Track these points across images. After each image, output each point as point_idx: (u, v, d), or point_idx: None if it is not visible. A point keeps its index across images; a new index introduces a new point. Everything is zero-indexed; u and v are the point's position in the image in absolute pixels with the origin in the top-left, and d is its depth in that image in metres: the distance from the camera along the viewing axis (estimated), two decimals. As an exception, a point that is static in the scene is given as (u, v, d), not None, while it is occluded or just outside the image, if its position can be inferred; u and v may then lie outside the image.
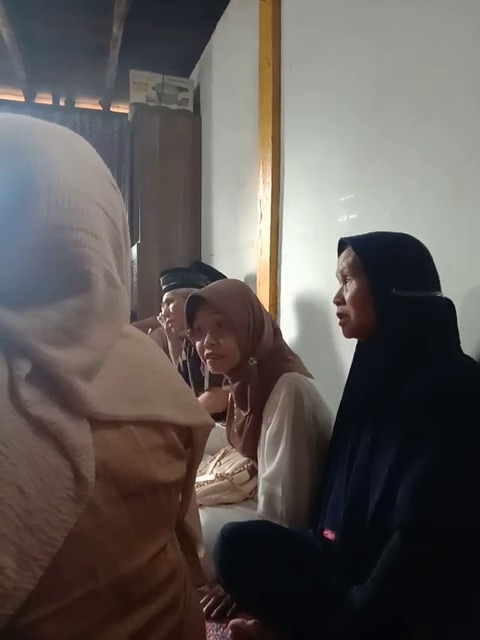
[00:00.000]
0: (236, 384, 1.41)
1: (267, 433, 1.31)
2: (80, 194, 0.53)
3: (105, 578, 0.51)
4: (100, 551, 0.50)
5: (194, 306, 1.41)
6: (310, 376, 1.42)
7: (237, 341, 1.35)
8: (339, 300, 1.10)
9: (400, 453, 0.88)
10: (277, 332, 1.49)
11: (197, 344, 1.41)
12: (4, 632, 0.44)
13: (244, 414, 1.41)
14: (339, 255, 1.15)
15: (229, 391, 1.47)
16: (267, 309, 2.27)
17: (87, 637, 0.50)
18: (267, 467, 1.29)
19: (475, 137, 1.15)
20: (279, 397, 1.30)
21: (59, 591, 0.48)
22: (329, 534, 1.05)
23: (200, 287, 1.87)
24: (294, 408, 1.28)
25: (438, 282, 1.03)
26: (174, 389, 0.62)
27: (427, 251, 1.05)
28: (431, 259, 1.04)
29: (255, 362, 1.37)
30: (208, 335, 1.37)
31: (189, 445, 0.64)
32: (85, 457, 0.47)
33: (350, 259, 1.06)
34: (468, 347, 1.04)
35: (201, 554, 0.72)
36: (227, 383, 1.45)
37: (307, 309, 2.00)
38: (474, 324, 1.11)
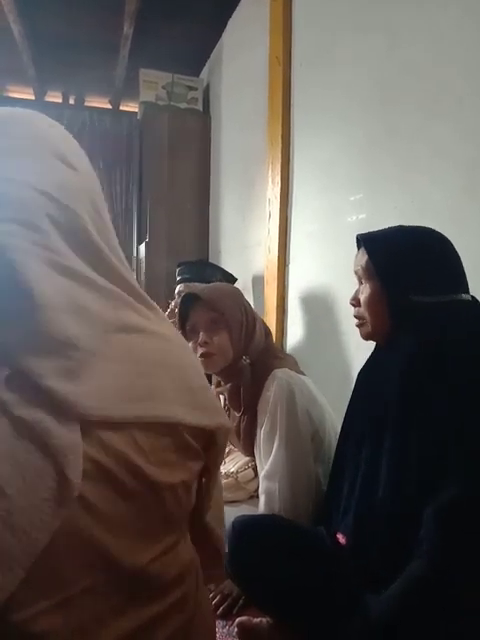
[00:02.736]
0: (228, 385, 1.42)
1: (261, 431, 1.32)
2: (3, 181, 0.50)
3: (105, 575, 0.51)
4: (98, 549, 0.50)
5: (188, 305, 1.41)
6: (302, 373, 1.42)
7: (231, 339, 1.36)
8: (355, 302, 1.05)
9: (426, 470, 0.84)
10: (268, 333, 1.51)
11: (190, 344, 1.41)
12: (1, 628, 0.44)
13: (238, 414, 1.41)
14: (358, 251, 1.08)
15: (222, 392, 1.47)
16: (274, 309, 2.27)
17: (90, 630, 0.50)
18: (264, 465, 1.29)
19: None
20: (270, 394, 1.30)
21: (56, 587, 0.48)
22: (341, 538, 1.04)
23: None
24: (286, 403, 1.28)
25: (464, 281, 0.96)
26: (191, 387, 0.59)
27: (452, 248, 0.97)
28: (456, 257, 0.96)
29: (248, 361, 1.37)
30: (202, 333, 1.37)
31: (209, 445, 0.62)
32: (71, 458, 0.46)
33: (364, 261, 1.00)
34: None
35: (222, 551, 0.72)
36: (219, 385, 1.46)
37: (315, 309, 2.00)
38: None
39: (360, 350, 1.14)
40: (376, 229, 1.06)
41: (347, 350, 1.75)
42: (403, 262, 0.95)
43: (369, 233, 1.03)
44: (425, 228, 1.00)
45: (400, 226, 1.02)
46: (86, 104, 4.18)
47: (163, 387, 0.56)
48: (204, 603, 0.67)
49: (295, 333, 2.20)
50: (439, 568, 0.80)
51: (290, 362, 1.46)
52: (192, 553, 0.65)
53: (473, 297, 0.97)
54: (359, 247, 1.07)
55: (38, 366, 0.47)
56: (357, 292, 1.05)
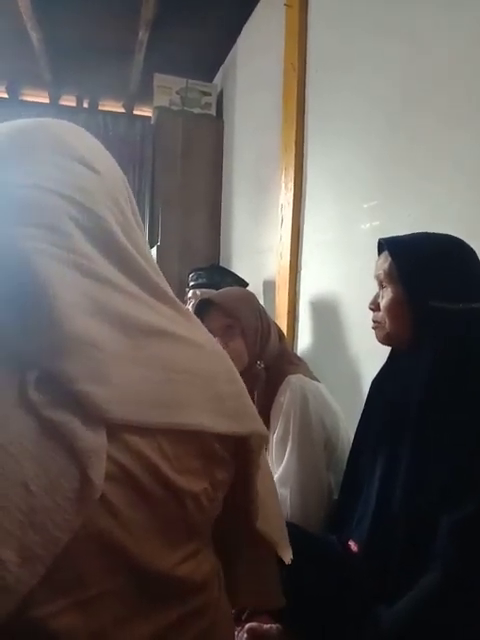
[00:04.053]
0: None
1: (274, 437, 1.32)
2: (26, 187, 0.51)
3: (125, 578, 0.52)
4: (119, 551, 0.50)
5: (202, 311, 1.42)
6: (316, 379, 1.42)
7: (246, 345, 1.36)
8: (374, 307, 1.05)
9: (444, 481, 0.84)
10: (282, 336, 1.51)
11: None
12: (16, 624, 0.45)
13: None
14: (379, 256, 1.07)
15: None
16: (286, 314, 2.27)
17: (110, 632, 0.51)
18: (276, 471, 1.29)
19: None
20: (284, 399, 1.30)
21: (75, 587, 0.49)
22: (354, 546, 1.03)
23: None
24: (299, 410, 1.28)
25: None
26: (220, 394, 0.59)
27: (475, 257, 0.97)
28: (478, 266, 0.96)
29: (262, 366, 1.37)
30: (217, 339, 1.37)
31: (241, 452, 0.62)
32: (94, 460, 0.47)
33: (386, 265, 1.00)
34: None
35: (287, 559, 0.69)
36: None
37: (326, 315, 2.00)
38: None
39: (371, 358, 1.13)
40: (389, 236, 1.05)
41: (358, 357, 1.75)
42: (426, 267, 0.94)
43: (393, 237, 1.02)
44: (450, 236, 0.99)
45: (425, 232, 1.02)
46: (100, 108, 4.21)
47: (191, 394, 0.56)
48: (225, 611, 0.67)
49: (306, 339, 2.20)
50: (453, 583, 0.80)
51: (304, 368, 1.46)
52: (214, 561, 0.65)
53: None
54: (380, 251, 1.06)
55: (66, 369, 0.48)
56: (377, 297, 1.05)
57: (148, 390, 0.53)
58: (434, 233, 1.01)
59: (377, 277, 1.04)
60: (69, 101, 4.12)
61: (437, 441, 0.87)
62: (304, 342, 2.21)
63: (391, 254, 0.99)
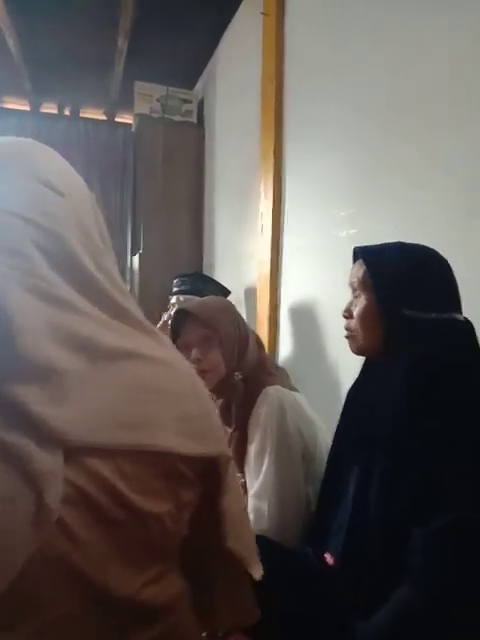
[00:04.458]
0: (220, 401, 1.41)
1: (251, 449, 1.31)
2: None
3: (86, 602, 0.51)
4: (78, 576, 0.49)
5: (179, 322, 1.41)
6: (295, 389, 1.42)
7: (223, 356, 1.35)
8: (347, 314, 1.04)
9: (419, 492, 0.83)
10: (261, 346, 1.50)
11: None
12: None
13: (230, 431, 1.40)
14: (354, 263, 1.07)
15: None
16: (266, 321, 2.27)
17: None
18: (254, 483, 1.28)
19: None
20: (262, 411, 1.29)
21: (33, 612, 0.48)
22: (329, 558, 1.03)
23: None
24: (277, 422, 1.27)
25: (458, 302, 0.96)
26: (187, 414, 0.58)
27: (449, 268, 0.97)
28: (453, 276, 0.97)
29: (240, 377, 1.36)
30: (194, 350, 1.36)
31: (209, 473, 0.61)
32: (50, 483, 0.46)
33: (360, 273, 1.00)
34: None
35: (257, 576, 0.68)
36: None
37: (306, 323, 2.00)
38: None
39: (352, 366, 1.13)
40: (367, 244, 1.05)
41: (338, 365, 1.75)
42: (400, 276, 0.94)
43: (367, 246, 1.02)
44: (424, 246, 1.00)
45: (399, 242, 1.02)
46: (81, 115, 4.19)
47: (155, 414, 0.55)
48: (193, 634, 0.66)
49: (286, 346, 2.20)
50: (427, 595, 0.79)
51: (283, 378, 1.45)
52: (181, 584, 0.64)
53: (465, 318, 0.96)
54: (355, 259, 1.06)
55: (21, 392, 0.48)
56: (350, 304, 1.04)
57: (109, 411, 0.52)
58: (408, 243, 1.01)
59: (351, 285, 1.04)
60: (50, 108, 4.10)
61: (411, 451, 0.87)
62: (285, 350, 2.21)
63: (365, 262, 0.99)
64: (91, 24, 2.93)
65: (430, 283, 0.94)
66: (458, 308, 0.96)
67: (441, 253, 1.00)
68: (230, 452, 0.63)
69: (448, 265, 0.98)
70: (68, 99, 4.05)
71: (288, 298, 2.18)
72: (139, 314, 0.63)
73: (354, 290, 1.03)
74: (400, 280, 0.94)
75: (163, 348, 0.64)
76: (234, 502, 0.66)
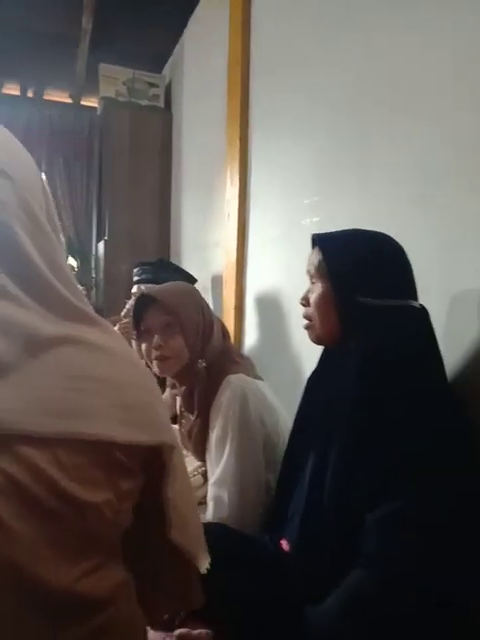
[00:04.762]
0: (183, 387, 1.40)
1: (212, 436, 1.30)
2: None
3: (18, 595, 0.49)
4: (9, 567, 0.48)
5: (142, 307, 1.38)
6: (259, 378, 1.41)
7: (186, 343, 1.33)
8: (305, 302, 1.04)
9: (372, 477, 0.84)
10: (225, 334, 1.48)
11: (143, 346, 1.38)
12: None
13: (192, 418, 1.39)
14: (312, 251, 1.06)
15: (177, 394, 1.45)
16: (232, 309, 2.26)
17: None
18: (214, 471, 1.28)
19: (443, 145, 1.15)
20: (224, 399, 1.28)
21: None
22: (285, 544, 1.03)
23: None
24: (239, 410, 1.27)
25: (413, 289, 0.97)
26: (127, 403, 0.57)
27: (404, 255, 0.98)
28: (408, 264, 0.97)
29: (204, 364, 1.35)
30: (156, 336, 1.34)
31: (152, 462, 0.60)
32: None
33: (316, 260, 1.00)
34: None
35: (202, 569, 0.67)
36: (174, 387, 1.44)
37: (272, 311, 1.99)
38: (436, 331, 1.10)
39: (315, 354, 1.13)
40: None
41: (303, 354, 1.75)
42: (354, 263, 0.94)
43: (324, 233, 1.02)
44: (381, 233, 1.00)
45: (356, 229, 1.02)
46: (45, 98, 4.08)
47: (94, 402, 0.54)
48: (135, 625, 0.64)
49: (252, 335, 2.19)
50: (378, 578, 0.80)
51: (247, 366, 1.45)
52: (122, 575, 0.63)
53: (421, 305, 0.97)
54: (313, 247, 1.06)
55: None
56: (308, 292, 1.04)
57: (46, 399, 0.51)
58: (366, 230, 1.01)
59: (308, 272, 1.04)
60: (13, 90, 3.98)
61: (365, 438, 0.88)
62: (250, 338, 2.21)
63: (321, 249, 0.99)
64: (54, 1, 2.83)
65: (384, 270, 0.94)
66: (413, 295, 0.96)
67: (395, 235, 1.00)
68: (174, 441, 0.61)
69: (403, 252, 0.98)
70: (32, 80, 3.93)
71: (254, 286, 2.17)
72: (83, 303, 0.61)
73: (311, 277, 1.03)
74: (354, 267, 0.94)
75: (108, 336, 0.62)
76: (180, 492, 0.65)
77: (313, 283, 1.02)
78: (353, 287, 0.93)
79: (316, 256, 1.01)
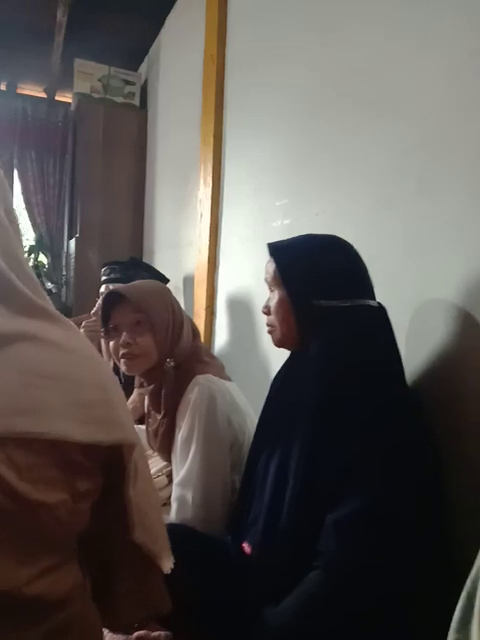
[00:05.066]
0: (151, 386, 1.38)
1: (179, 436, 1.29)
2: None
3: None
4: None
5: (111, 304, 1.37)
6: (228, 378, 1.41)
7: (155, 341, 1.31)
8: (266, 311, 1.06)
9: (332, 479, 0.84)
10: (196, 334, 1.47)
11: (111, 344, 1.36)
12: None
13: (159, 417, 1.38)
14: (269, 260, 1.08)
15: (144, 394, 1.43)
16: (204, 310, 2.25)
17: None
18: (179, 471, 1.27)
19: (404, 149, 1.16)
20: (191, 399, 1.27)
21: None
22: (247, 547, 1.03)
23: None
24: (206, 410, 1.25)
25: (369, 289, 0.99)
26: (84, 401, 0.55)
27: (356, 256, 1.00)
28: (361, 264, 1.00)
29: (172, 364, 1.34)
30: (125, 334, 1.32)
31: (112, 462, 0.59)
32: None
33: (271, 269, 1.03)
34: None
35: (166, 569, 0.66)
36: (142, 386, 1.42)
37: (242, 311, 1.99)
38: (397, 332, 1.11)
39: (284, 354, 1.14)
40: (299, 234, 1.07)
41: (271, 353, 1.75)
42: (307, 268, 0.97)
43: (277, 242, 1.05)
44: (331, 236, 1.03)
45: (308, 234, 1.04)
46: (19, 91, 4.01)
47: (50, 400, 0.52)
48: (92, 626, 0.63)
49: (223, 335, 2.18)
50: (334, 578, 0.80)
51: (216, 366, 1.43)
52: (78, 575, 0.61)
53: (379, 303, 0.99)
54: (270, 256, 1.07)
55: None
56: (268, 300, 1.06)
57: (0, 396, 0.49)
58: (317, 235, 1.04)
59: (266, 281, 1.06)
60: (-16, 82, 3.91)
61: (325, 437, 0.88)
62: (221, 338, 2.20)
63: (274, 259, 1.01)
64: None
65: (337, 273, 0.97)
66: (369, 294, 0.98)
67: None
68: (135, 440, 0.60)
69: (355, 253, 1.00)
70: (5, 73, 3.86)
71: (225, 287, 2.16)
72: (43, 299, 0.60)
73: (269, 286, 1.05)
74: (307, 273, 0.97)
75: (67, 333, 0.61)
76: (143, 492, 0.64)
77: (272, 291, 1.04)
78: (308, 292, 0.95)
79: (271, 265, 1.03)
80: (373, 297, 0.99)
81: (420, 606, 0.79)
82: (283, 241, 1.05)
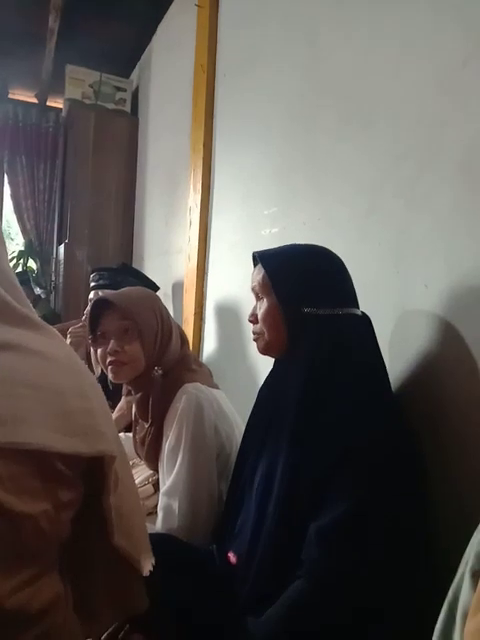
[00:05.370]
0: (139, 395, 1.37)
1: (165, 445, 1.28)
2: None
3: None
4: None
5: (99, 311, 1.36)
6: (215, 387, 1.40)
7: (143, 349, 1.31)
8: (253, 319, 1.07)
9: (316, 487, 0.84)
10: (184, 341, 1.46)
11: (99, 351, 1.35)
12: None
13: (146, 425, 1.37)
14: (254, 269, 1.10)
15: (131, 402, 1.42)
16: (192, 317, 2.25)
17: None
18: (166, 480, 1.26)
19: (388, 159, 1.18)
20: (178, 407, 1.27)
21: None
22: (232, 557, 1.02)
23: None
24: (193, 419, 1.25)
25: (354, 297, 1.01)
26: (66, 410, 0.55)
27: (342, 265, 1.02)
28: (346, 274, 1.02)
29: (160, 372, 1.33)
30: (112, 341, 1.31)
31: (94, 471, 0.58)
32: None
33: (260, 277, 1.03)
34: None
35: (145, 571, 0.66)
36: (129, 393, 1.41)
37: (231, 318, 1.99)
38: (380, 338, 1.12)
39: (272, 361, 1.14)
40: (287, 242, 1.08)
41: (260, 361, 1.75)
42: (297, 276, 0.98)
43: (265, 250, 1.05)
44: (317, 246, 1.04)
45: (293, 244, 1.06)
46: (11, 96, 4.00)
47: (31, 410, 0.52)
48: (72, 636, 0.63)
49: (211, 341, 2.18)
50: (316, 587, 0.80)
51: (204, 375, 1.43)
52: (59, 586, 0.61)
53: (363, 312, 1.01)
54: (255, 264, 1.09)
55: None
56: (255, 309, 1.06)
57: None
58: (302, 244, 1.06)
59: (253, 290, 1.07)
60: (-25, 86, 3.89)
61: (307, 446, 0.89)
62: (209, 345, 2.20)
63: (264, 266, 1.01)
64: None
65: (325, 281, 0.99)
66: (354, 303, 1.00)
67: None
68: (117, 449, 0.60)
69: (341, 262, 1.02)
70: (-4, 77, 3.86)
71: (214, 294, 2.16)
72: (26, 307, 0.60)
73: (256, 294, 1.06)
74: (297, 280, 0.98)
75: (50, 341, 0.61)
76: (123, 496, 0.64)
77: (259, 299, 1.05)
78: (298, 299, 0.96)
79: (259, 273, 1.04)
80: (358, 306, 1.00)
81: (397, 616, 0.80)
82: (270, 249, 1.06)
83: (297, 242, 1.07)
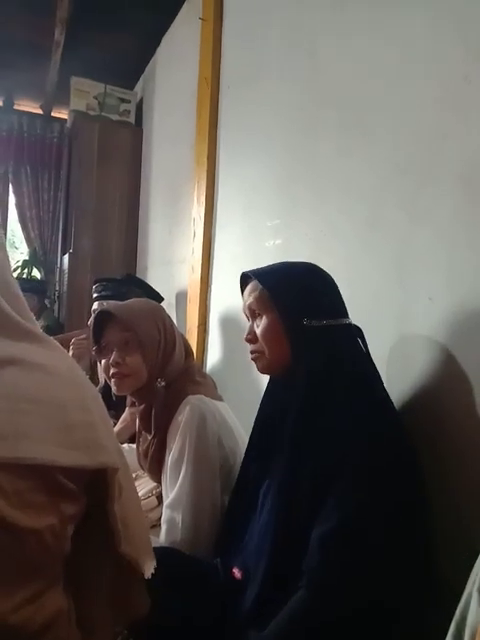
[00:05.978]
0: (142, 406, 1.37)
1: (169, 457, 1.28)
2: None
3: None
4: None
5: (102, 322, 1.37)
6: (219, 399, 1.40)
7: (145, 360, 1.31)
8: (251, 337, 1.06)
9: (316, 498, 0.84)
10: (189, 353, 1.46)
11: (103, 362, 1.36)
12: None
13: (149, 437, 1.37)
14: (242, 290, 1.11)
15: (135, 413, 1.42)
16: (196, 328, 2.25)
17: None
18: (169, 493, 1.26)
19: (389, 171, 1.18)
20: (182, 419, 1.27)
21: None
22: (237, 573, 1.02)
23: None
24: (197, 432, 1.25)
25: (345, 309, 1.03)
26: (68, 424, 0.56)
27: (331, 279, 1.05)
28: (336, 286, 1.04)
29: (163, 383, 1.33)
30: (114, 353, 1.32)
31: (96, 484, 0.59)
32: None
33: (257, 294, 1.03)
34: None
35: (148, 574, 0.66)
36: (133, 405, 1.41)
37: (235, 330, 1.99)
38: (382, 350, 1.12)
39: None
40: (290, 256, 1.10)
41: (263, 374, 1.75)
42: (296, 291, 0.99)
43: (258, 269, 1.07)
44: (308, 263, 1.07)
45: (283, 261, 1.09)
46: (16, 107, 4.04)
47: (34, 425, 0.53)
48: None
49: (215, 352, 2.18)
50: (317, 596, 0.80)
51: (208, 386, 1.43)
52: (62, 600, 0.61)
53: (352, 322, 1.03)
54: (246, 284, 1.10)
55: None
56: (251, 327, 1.07)
57: None
58: (292, 261, 1.09)
59: (249, 308, 1.07)
60: (-19, 97, 3.93)
61: (307, 451, 0.89)
62: (213, 356, 2.20)
63: (263, 283, 1.02)
64: (25, 9, 2.80)
65: (322, 294, 1.01)
66: (345, 313, 1.02)
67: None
68: (117, 463, 0.60)
69: (331, 277, 1.05)
70: (2, 89, 3.89)
71: (218, 305, 2.16)
72: (29, 320, 0.61)
73: (253, 312, 1.06)
74: (297, 295, 0.99)
75: (52, 354, 0.61)
76: (127, 506, 0.64)
77: (257, 317, 1.05)
78: (298, 312, 0.97)
79: (255, 290, 1.04)
80: (348, 315, 1.02)
81: (400, 623, 0.80)
82: (264, 268, 1.07)
83: (301, 254, 1.10)
